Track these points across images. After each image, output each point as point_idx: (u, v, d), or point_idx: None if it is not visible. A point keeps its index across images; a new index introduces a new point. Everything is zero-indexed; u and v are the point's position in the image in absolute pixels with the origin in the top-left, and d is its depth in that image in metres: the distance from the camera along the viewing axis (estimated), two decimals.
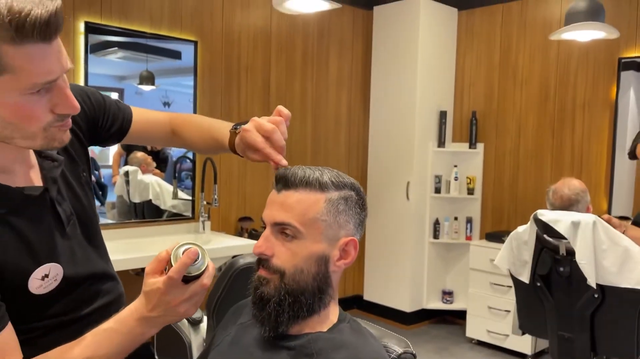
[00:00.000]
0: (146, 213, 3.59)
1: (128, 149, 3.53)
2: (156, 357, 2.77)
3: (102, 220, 3.32)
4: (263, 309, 0.94)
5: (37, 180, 0.98)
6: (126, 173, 3.55)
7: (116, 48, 3.34)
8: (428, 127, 4.34)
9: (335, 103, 4.43)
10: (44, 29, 0.77)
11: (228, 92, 3.76)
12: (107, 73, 3.36)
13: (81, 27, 3.10)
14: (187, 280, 0.88)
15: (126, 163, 3.52)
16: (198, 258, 0.88)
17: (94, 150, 3.38)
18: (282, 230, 0.94)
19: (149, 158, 3.65)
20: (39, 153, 0.99)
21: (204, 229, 3.57)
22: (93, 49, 3.19)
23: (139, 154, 3.61)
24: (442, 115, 4.36)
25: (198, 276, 0.89)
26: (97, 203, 3.42)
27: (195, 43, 3.55)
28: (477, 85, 4.37)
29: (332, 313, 1.00)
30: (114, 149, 3.54)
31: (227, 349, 1.00)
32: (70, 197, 1.05)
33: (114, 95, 3.43)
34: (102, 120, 1.16)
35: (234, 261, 2.14)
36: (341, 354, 0.91)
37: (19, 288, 0.91)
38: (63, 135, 0.91)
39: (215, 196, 3.41)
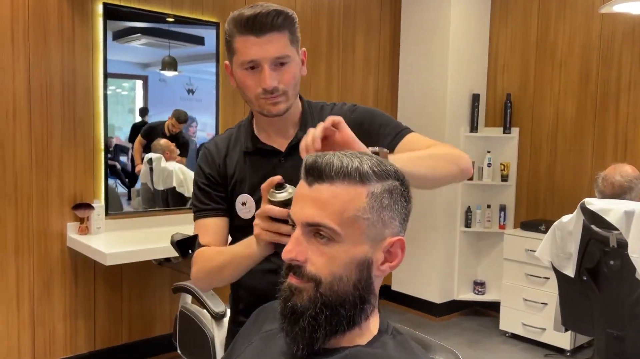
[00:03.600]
0: (170, 201, 3.49)
1: (148, 137, 3.42)
2: (179, 351, 2.69)
3: (126, 209, 3.23)
4: (296, 324, 0.79)
5: (276, 145, 1.30)
6: (149, 161, 3.44)
7: (139, 34, 3.23)
8: (459, 111, 4.14)
9: (362, 87, 4.26)
10: (251, 26, 1.14)
11: None
12: (131, 60, 3.25)
13: (99, 9, 2.98)
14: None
15: (149, 151, 3.42)
16: (283, 188, 0.97)
17: (119, 137, 3.28)
18: (317, 231, 0.79)
19: (172, 145, 3.54)
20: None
21: None
22: (116, 35, 3.09)
23: (162, 141, 3.51)
24: (475, 98, 4.15)
25: (278, 204, 0.95)
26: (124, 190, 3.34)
27: (217, 25, 3.42)
28: (512, 67, 4.15)
29: (373, 323, 0.85)
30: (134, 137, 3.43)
31: None
32: (291, 171, 1.18)
33: (138, 84, 3.32)
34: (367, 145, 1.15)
35: None
36: None
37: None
38: (270, 107, 1.21)
39: None
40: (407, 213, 0.86)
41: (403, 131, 1.29)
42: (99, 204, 3.00)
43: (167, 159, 3.48)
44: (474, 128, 4.16)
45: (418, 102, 4.26)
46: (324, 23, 3.97)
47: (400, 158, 1.01)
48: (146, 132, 3.36)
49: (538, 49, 3.99)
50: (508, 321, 3.83)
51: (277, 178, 0.98)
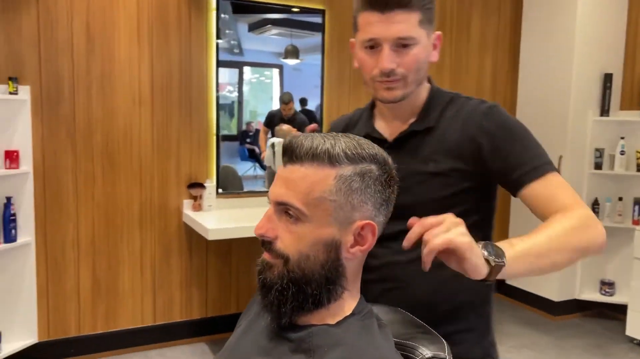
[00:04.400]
0: None
1: (269, 124, 3.60)
2: None
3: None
4: (266, 297, 0.83)
5: (385, 134, 1.20)
6: (272, 145, 3.63)
7: (269, 25, 3.43)
8: (588, 92, 3.76)
9: (478, 70, 4.05)
10: (375, 1, 1.05)
11: None
12: (266, 50, 3.46)
13: (213, 2, 3.21)
14: None
15: (273, 136, 3.61)
16: None
17: (261, 122, 3.53)
18: (286, 210, 0.81)
19: (294, 130, 3.70)
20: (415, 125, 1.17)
21: None
22: (250, 27, 3.33)
23: (285, 126, 3.66)
24: (607, 78, 3.74)
25: None
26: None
27: (323, 12, 3.49)
28: None
29: (348, 305, 0.85)
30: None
31: (240, 335, 0.92)
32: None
33: (275, 72, 3.53)
34: (490, 163, 1.10)
35: None
36: (335, 354, 0.77)
37: None
38: (384, 92, 1.11)
39: None
40: (385, 197, 0.84)
41: (541, 168, 1.05)
42: (211, 184, 3.26)
43: None
44: (604, 111, 3.76)
45: (540, 84, 3.95)
46: (436, 2, 3.84)
47: (520, 260, 0.90)
48: (267, 120, 3.57)
49: None
50: (636, 327, 3.44)
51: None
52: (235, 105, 3.43)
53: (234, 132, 3.44)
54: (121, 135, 3.06)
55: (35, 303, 2.92)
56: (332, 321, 0.83)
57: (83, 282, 3.05)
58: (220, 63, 3.29)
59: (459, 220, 0.85)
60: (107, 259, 3.09)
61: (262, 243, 0.84)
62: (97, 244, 3.06)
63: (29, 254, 2.87)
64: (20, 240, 2.82)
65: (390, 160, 0.86)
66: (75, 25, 2.90)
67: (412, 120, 1.17)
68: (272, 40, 3.45)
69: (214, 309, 3.40)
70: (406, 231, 0.87)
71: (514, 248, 0.90)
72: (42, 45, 2.84)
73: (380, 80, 1.10)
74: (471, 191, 1.12)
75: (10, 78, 2.71)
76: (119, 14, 2.99)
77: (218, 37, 3.24)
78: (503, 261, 0.86)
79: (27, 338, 2.91)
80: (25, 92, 2.79)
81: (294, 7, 3.43)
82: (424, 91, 1.18)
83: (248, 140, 3.47)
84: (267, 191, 3.39)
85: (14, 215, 2.79)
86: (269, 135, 3.61)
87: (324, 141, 0.80)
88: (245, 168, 3.54)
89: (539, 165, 1.06)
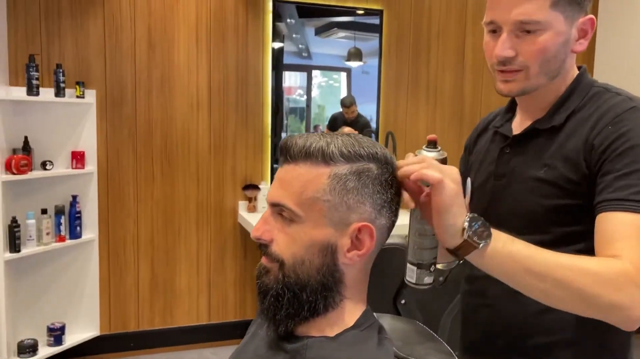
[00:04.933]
0: None
1: (332, 127, 3.58)
2: None
3: None
4: (262, 303, 0.79)
5: (516, 130, 1.07)
6: None
7: (335, 28, 3.44)
8: None
9: None
10: None
11: (416, 62, 3.55)
12: (334, 53, 3.47)
13: (269, 6, 3.25)
14: None
15: None
16: (433, 147, 0.85)
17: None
18: (280, 211, 0.77)
19: (355, 133, 3.67)
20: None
21: None
22: (317, 31, 3.36)
23: (346, 129, 3.63)
24: None
25: None
26: None
27: (381, 12, 3.44)
28: None
29: (350, 315, 0.80)
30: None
31: (247, 340, 0.89)
32: (509, 165, 1.04)
33: (343, 76, 3.54)
34: (594, 168, 0.92)
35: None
36: None
37: None
38: (501, 83, 0.99)
39: None
40: (386, 199, 0.78)
41: (626, 203, 0.84)
42: (266, 186, 3.29)
43: None
44: None
45: (618, 60, 3.68)
46: None
47: (504, 260, 0.79)
48: (330, 123, 3.56)
49: None
50: None
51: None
52: (304, 109, 3.47)
53: None
54: (179, 137, 3.15)
55: (97, 297, 3.05)
56: (331, 333, 0.78)
57: (142, 278, 3.16)
58: (288, 67, 3.34)
59: (456, 176, 0.77)
60: (164, 256, 3.19)
61: (259, 246, 0.81)
62: (156, 242, 3.17)
63: (92, 250, 3.01)
64: (85, 236, 2.97)
65: (394, 160, 0.80)
66: (138, 31, 3.02)
67: (540, 116, 1.02)
68: (339, 43, 3.46)
69: None
70: None
71: (509, 244, 0.80)
72: (107, 51, 2.98)
73: (498, 69, 0.97)
74: (585, 211, 0.91)
75: (77, 83, 2.86)
76: (179, 20, 3.08)
77: (274, 40, 3.27)
78: (477, 243, 0.77)
79: (90, 331, 3.05)
80: (91, 96, 2.94)
81: (354, 8, 3.40)
82: (562, 84, 1.00)
83: None
84: None
85: (79, 212, 2.93)
86: None
87: (319, 139, 0.76)
88: None
89: (626, 198, 0.85)
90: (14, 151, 2.75)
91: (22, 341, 2.77)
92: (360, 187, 0.76)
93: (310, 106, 3.49)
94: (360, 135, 0.81)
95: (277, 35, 3.28)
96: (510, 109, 1.11)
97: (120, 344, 3.14)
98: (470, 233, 0.77)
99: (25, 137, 2.77)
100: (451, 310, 2.19)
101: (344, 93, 3.55)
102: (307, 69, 3.45)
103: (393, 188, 0.79)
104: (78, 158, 2.90)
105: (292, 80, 3.39)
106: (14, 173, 2.62)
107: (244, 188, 3.27)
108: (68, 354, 2.95)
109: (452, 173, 0.77)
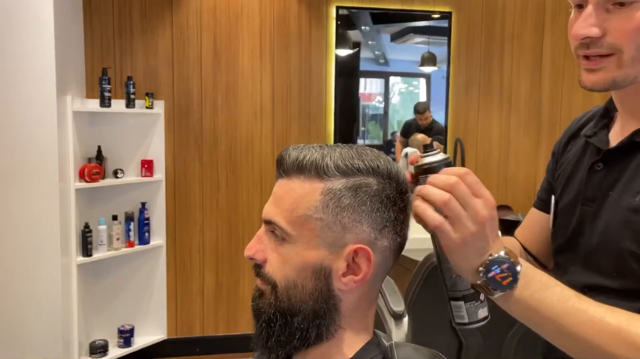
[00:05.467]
0: None
1: (406, 134, 3.51)
2: None
3: None
4: (256, 327, 0.73)
5: (614, 141, 0.84)
6: (406, 155, 3.53)
7: (411, 33, 3.38)
8: None
9: None
10: None
11: (488, 65, 3.37)
12: (411, 59, 3.41)
13: (333, 12, 3.21)
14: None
15: (407, 145, 3.52)
16: (430, 150, 0.71)
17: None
18: (272, 229, 0.71)
19: (428, 140, 3.57)
20: None
21: None
22: (393, 37, 3.33)
23: (419, 136, 3.54)
24: None
25: (416, 171, 0.72)
26: None
27: (449, 14, 3.30)
28: None
29: (349, 347, 0.72)
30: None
31: None
32: (601, 187, 0.83)
33: (422, 83, 3.48)
34: None
35: (428, 256, 1.90)
36: None
37: None
38: (582, 72, 0.77)
39: None
40: (387, 218, 0.69)
41: None
42: None
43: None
44: None
45: None
46: None
47: (525, 309, 0.67)
48: (404, 130, 3.50)
49: None
50: None
51: (422, 137, 0.78)
52: (382, 115, 3.46)
53: (381, 141, 3.47)
54: (243, 145, 3.18)
55: (165, 301, 3.14)
56: None
57: (207, 285, 3.22)
58: (365, 74, 3.34)
59: (481, 211, 0.62)
60: (228, 264, 3.23)
61: (253, 266, 0.75)
62: (220, 249, 3.21)
63: (160, 256, 3.11)
64: (153, 242, 3.06)
65: (400, 174, 0.71)
66: (204, 43, 3.09)
67: None
68: (416, 48, 3.38)
69: None
70: (594, 286, 0.66)
71: (539, 293, 0.66)
72: (175, 63, 3.07)
73: (582, 53, 0.76)
74: None
75: (147, 94, 2.97)
76: (243, 30, 3.12)
77: (344, 47, 3.25)
78: (492, 292, 0.66)
79: (157, 334, 3.14)
80: (159, 106, 3.04)
81: (422, 12, 3.29)
82: None
83: (392, 150, 3.44)
84: None
85: (147, 219, 3.04)
86: (405, 145, 3.51)
87: (314, 151, 0.69)
88: None
89: None
90: (89, 160, 2.90)
91: (94, 342, 2.90)
92: (356, 205, 0.68)
93: (388, 112, 3.45)
94: (366, 147, 0.73)
95: (346, 42, 3.25)
96: (607, 113, 0.87)
97: (185, 349, 3.20)
98: (485, 280, 0.66)
99: (99, 147, 2.91)
100: (516, 331, 2.02)
101: (422, 99, 3.47)
102: (385, 76, 3.41)
103: (397, 205, 0.70)
104: (147, 166, 3.01)
105: (371, 87, 3.36)
106: (86, 181, 2.76)
107: None
108: (136, 356, 3.05)
109: (475, 207, 0.63)
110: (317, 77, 3.24)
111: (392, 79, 3.44)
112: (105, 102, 2.82)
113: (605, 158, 0.82)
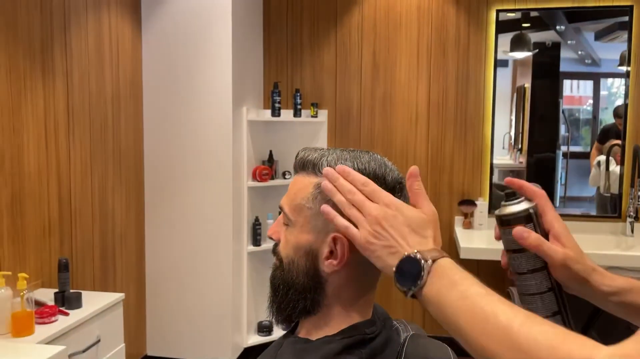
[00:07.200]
0: (611, 207, 3.24)
1: (603, 141, 3.27)
2: None
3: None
4: (270, 294, 0.89)
5: None
6: (598, 163, 3.25)
7: (617, 31, 3.17)
8: None
9: None
10: None
11: None
12: (614, 58, 3.21)
13: (493, 16, 3.14)
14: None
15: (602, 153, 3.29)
16: (514, 198, 0.67)
17: None
18: (283, 215, 0.86)
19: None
20: None
21: (632, 232, 2.95)
22: (597, 36, 3.17)
23: (614, 142, 3.25)
24: None
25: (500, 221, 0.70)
26: None
27: (630, 8, 2.95)
28: None
29: (337, 323, 0.83)
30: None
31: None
32: None
33: (617, 83, 3.27)
34: None
35: None
36: None
37: None
38: None
39: None
40: None
41: None
42: (483, 202, 3.17)
43: (617, 162, 3.21)
44: None
45: None
46: None
47: (433, 305, 0.66)
48: (601, 135, 3.27)
49: None
50: None
51: (507, 180, 0.71)
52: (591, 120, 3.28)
53: (588, 149, 3.28)
54: (398, 151, 3.30)
55: None
56: (314, 336, 0.84)
57: None
58: (570, 75, 3.21)
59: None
60: None
61: (273, 245, 0.92)
62: None
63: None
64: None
65: (387, 176, 0.80)
66: (364, 55, 3.30)
67: None
68: (617, 46, 3.13)
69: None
70: None
71: (444, 291, 0.64)
72: (337, 75, 3.34)
73: None
74: None
75: (312, 104, 3.30)
76: (401, 40, 3.25)
77: (496, 51, 3.14)
78: (404, 292, 0.67)
79: None
80: (323, 115, 3.34)
81: (597, 7, 3.01)
82: None
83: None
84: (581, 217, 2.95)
85: None
86: (600, 152, 3.24)
87: (317, 152, 0.84)
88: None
89: None
90: (263, 162, 3.33)
91: (261, 322, 3.32)
92: None
93: (597, 117, 3.22)
94: (372, 153, 0.84)
95: (525, 44, 3.13)
96: None
97: None
98: (395, 278, 0.68)
99: (270, 151, 3.33)
100: None
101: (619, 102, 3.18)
102: (593, 77, 3.20)
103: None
104: None
105: (578, 89, 3.20)
106: (257, 181, 3.19)
107: (460, 203, 3.21)
108: None
109: (368, 209, 0.71)
110: (475, 83, 3.20)
111: (604, 81, 3.19)
112: (275, 112, 3.22)
113: None
